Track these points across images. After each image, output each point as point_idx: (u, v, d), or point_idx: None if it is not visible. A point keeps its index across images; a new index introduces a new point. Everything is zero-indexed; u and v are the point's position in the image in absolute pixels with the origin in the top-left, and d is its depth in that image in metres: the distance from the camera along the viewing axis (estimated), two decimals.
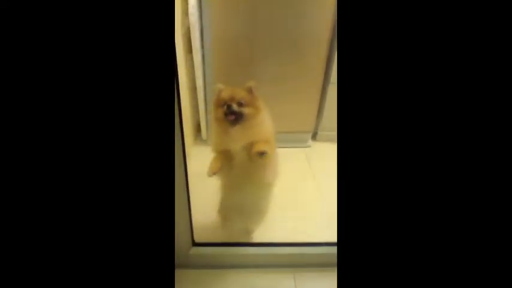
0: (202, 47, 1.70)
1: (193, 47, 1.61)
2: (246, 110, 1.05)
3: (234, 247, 1.27)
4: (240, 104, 1.05)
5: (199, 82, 1.74)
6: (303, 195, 1.69)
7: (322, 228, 1.46)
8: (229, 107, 1.04)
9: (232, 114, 1.04)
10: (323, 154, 2.00)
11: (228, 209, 1.28)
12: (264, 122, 1.10)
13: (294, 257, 1.28)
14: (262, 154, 1.01)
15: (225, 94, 1.07)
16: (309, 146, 2.06)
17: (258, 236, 1.41)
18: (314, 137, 2.11)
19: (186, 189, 1.09)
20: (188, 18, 1.57)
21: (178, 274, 1.22)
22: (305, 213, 1.57)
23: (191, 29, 1.55)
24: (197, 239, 1.26)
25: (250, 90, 1.08)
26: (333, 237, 1.32)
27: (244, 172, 1.08)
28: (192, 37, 1.56)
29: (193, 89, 1.79)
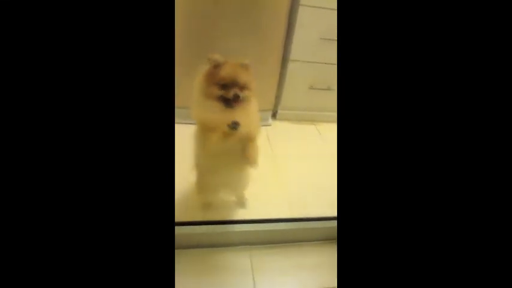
0: None
1: None
2: (246, 93, 1.00)
3: (186, 226, 1.21)
4: (241, 88, 0.98)
5: None
6: (263, 173, 1.66)
7: (281, 205, 1.45)
8: (236, 97, 0.97)
9: (236, 101, 0.98)
10: (283, 133, 1.99)
11: (210, 189, 1.25)
12: (256, 106, 1.05)
13: (249, 235, 1.25)
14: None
15: (226, 73, 0.97)
16: (269, 125, 2.03)
17: (215, 215, 1.37)
18: (274, 115, 2.10)
19: None
20: None
21: None
22: (264, 191, 1.55)
23: None
24: None
25: (247, 69, 1.01)
26: (289, 213, 1.33)
27: (231, 154, 1.02)
28: None
29: None
